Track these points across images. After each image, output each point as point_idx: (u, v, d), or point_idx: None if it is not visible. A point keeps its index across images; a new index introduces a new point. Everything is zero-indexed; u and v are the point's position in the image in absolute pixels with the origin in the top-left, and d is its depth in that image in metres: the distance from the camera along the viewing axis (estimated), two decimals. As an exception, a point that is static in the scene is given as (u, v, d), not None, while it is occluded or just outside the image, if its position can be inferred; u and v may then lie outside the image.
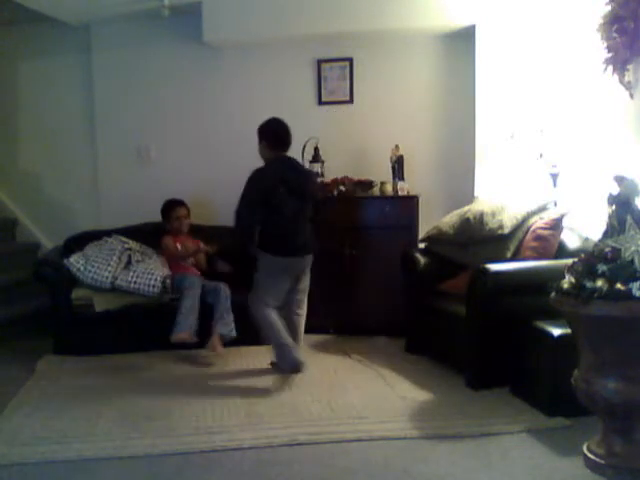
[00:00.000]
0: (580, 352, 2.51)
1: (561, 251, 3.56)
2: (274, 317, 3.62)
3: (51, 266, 4.29)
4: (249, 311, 3.69)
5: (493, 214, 3.86)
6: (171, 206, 4.51)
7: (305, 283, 3.82)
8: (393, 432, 2.84)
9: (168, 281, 4.22)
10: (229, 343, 4.00)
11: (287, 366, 3.58)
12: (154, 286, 4.18)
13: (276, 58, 5.02)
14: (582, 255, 2.49)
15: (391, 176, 4.58)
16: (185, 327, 3.91)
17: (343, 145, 4.92)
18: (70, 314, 4.19)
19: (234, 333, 4.01)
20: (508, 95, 4.31)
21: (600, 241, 2.47)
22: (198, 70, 5.12)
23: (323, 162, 4.76)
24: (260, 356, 3.94)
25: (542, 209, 3.83)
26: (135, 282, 4.20)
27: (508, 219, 3.76)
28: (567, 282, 2.45)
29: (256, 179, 3.57)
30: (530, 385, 3.14)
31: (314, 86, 5.00)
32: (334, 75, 4.96)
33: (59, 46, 5.35)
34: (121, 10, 4.85)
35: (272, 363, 3.77)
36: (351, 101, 4.96)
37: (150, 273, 4.24)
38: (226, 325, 3.99)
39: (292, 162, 3.73)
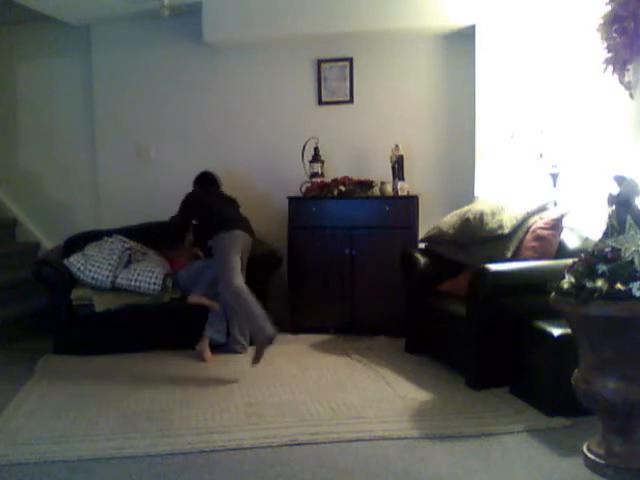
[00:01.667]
0: (580, 352, 2.51)
1: (561, 251, 3.56)
2: (247, 290, 3.73)
3: (51, 266, 4.28)
4: (228, 294, 3.77)
5: (493, 214, 3.86)
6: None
7: (243, 264, 4.03)
8: (393, 432, 2.84)
9: (170, 279, 4.23)
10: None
11: (262, 336, 3.60)
12: (155, 283, 4.18)
13: (276, 58, 5.02)
14: (582, 255, 2.49)
15: (391, 176, 4.58)
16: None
17: (343, 145, 4.93)
18: (70, 314, 4.19)
19: (224, 339, 4.09)
20: (508, 95, 4.31)
21: (600, 241, 2.47)
22: (198, 70, 5.12)
23: (323, 162, 4.76)
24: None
25: (542, 209, 3.83)
26: (136, 280, 4.20)
27: (508, 219, 3.76)
28: (567, 282, 2.45)
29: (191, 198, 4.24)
30: (530, 385, 3.14)
31: (314, 86, 5.00)
32: (334, 75, 4.96)
33: (59, 46, 5.36)
34: (121, 10, 4.85)
35: (254, 359, 3.67)
36: (351, 101, 4.96)
37: (151, 271, 4.24)
38: (217, 331, 4.08)
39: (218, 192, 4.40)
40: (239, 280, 3.78)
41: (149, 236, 4.68)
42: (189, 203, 4.17)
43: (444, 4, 4.46)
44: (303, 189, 4.70)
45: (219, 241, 3.91)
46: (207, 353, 4.00)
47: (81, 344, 4.16)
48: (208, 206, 4.12)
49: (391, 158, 4.58)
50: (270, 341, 3.61)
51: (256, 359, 3.61)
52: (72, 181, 5.44)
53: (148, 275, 4.21)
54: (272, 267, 4.38)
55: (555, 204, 3.87)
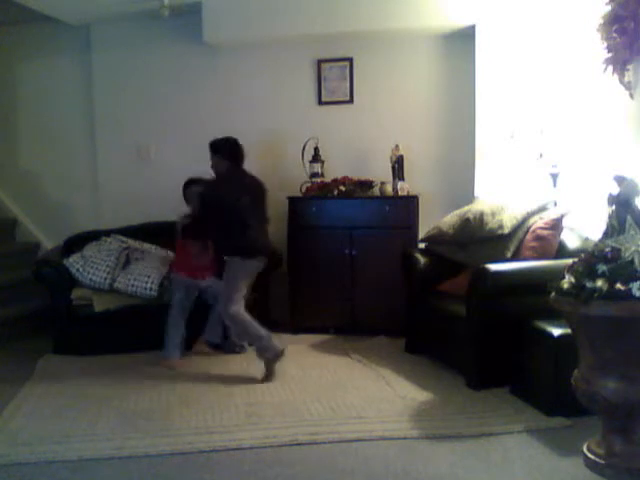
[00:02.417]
0: (580, 352, 2.51)
1: (561, 251, 3.56)
2: (244, 316, 3.70)
3: (51, 266, 4.29)
4: (226, 317, 3.73)
5: (493, 214, 3.86)
6: None
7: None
8: (393, 432, 2.84)
9: (166, 282, 4.21)
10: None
11: (272, 354, 3.61)
12: (151, 289, 4.19)
13: (276, 58, 5.02)
14: (582, 255, 2.49)
15: (391, 176, 4.58)
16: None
17: (343, 145, 4.93)
18: (70, 314, 4.19)
19: (218, 340, 4.13)
20: (508, 95, 4.31)
21: (600, 241, 2.47)
22: (198, 70, 5.12)
23: (323, 162, 4.76)
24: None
25: (542, 209, 3.83)
26: (133, 285, 4.21)
27: (508, 219, 3.76)
28: (567, 282, 2.45)
29: (217, 191, 3.84)
30: (530, 385, 3.14)
31: (314, 86, 5.00)
32: (334, 75, 4.96)
33: (59, 46, 5.36)
34: (121, 10, 4.85)
35: (264, 378, 3.63)
36: (351, 101, 4.96)
37: (147, 275, 4.23)
38: (213, 334, 4.13)
39: (246, 173, 3.95)
40: (239, 307, 3.69)
41: (149, 236, 4.67)
42: (209, 198, 3.80)
43: (444, 4, 4.46)
44: (303, 189, 4.70)
45: (236, 265, 3.72)
46: (208, 349, 4.10)
47: (81, 344, 4.16)
48: (241, 219, 3.70)
49: (391, 158, 4.58)
50: (279, 357, 3.63)
51: (267, 377, 3.60)
52: (72, 181, 5.44)
53: (144, 280, 4.21)
54: (272, 267, 4.38)
55: (555, 204, 3.87)
